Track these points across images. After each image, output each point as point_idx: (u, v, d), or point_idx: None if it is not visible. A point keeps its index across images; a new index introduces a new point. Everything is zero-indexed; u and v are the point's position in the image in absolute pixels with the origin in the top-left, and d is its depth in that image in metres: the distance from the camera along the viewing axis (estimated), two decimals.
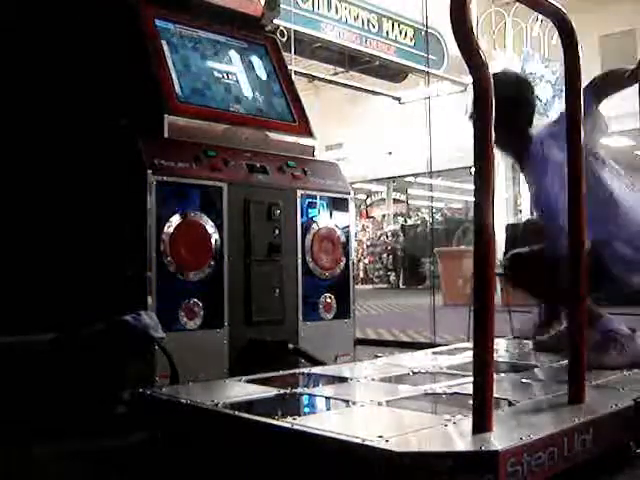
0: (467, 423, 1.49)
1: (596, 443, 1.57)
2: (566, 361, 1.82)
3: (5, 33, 2.90)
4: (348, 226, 3.11)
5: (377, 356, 2.84)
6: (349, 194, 3.13)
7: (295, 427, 1.59)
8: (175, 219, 2.50)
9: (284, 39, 3.47)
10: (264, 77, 3.19)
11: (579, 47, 1.82)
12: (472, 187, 1.54)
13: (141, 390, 2.07)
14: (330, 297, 3.00)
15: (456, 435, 1.51)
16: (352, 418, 1.83)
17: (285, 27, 3.60)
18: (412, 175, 16.50)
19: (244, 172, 2.74)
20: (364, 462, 1.42)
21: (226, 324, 2.61)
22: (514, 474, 1.35)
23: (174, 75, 2.77)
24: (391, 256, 16.79)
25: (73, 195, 2.68)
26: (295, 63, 7.61)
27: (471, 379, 1.50)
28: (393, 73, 11.05)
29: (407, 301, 10.00)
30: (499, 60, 9.58)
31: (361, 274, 17.01)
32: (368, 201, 19.60)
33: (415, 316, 6.75)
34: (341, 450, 1.47)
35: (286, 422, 1.63)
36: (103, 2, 2.90)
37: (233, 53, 3.13)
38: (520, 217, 11.60)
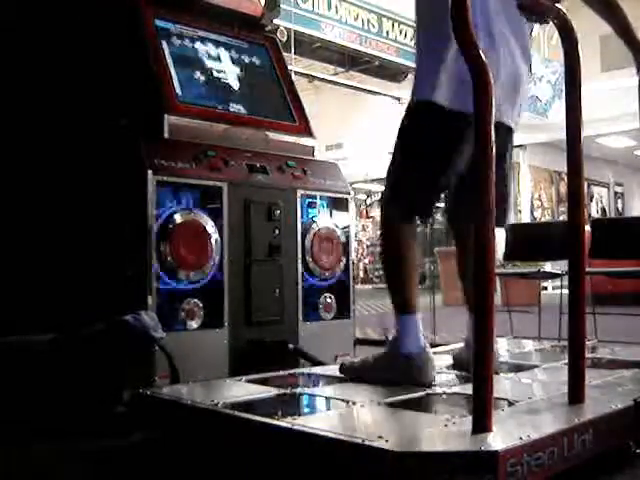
0: (467, 423, 1.49)
1: (596, 443, 1.57)
2: (565, 361, 1.82)
3: (5, 33, 2.91)
4: (348, 226, 3.11)
5: None
6: (349, 194, 3.13)
7: (295, 427, 1.59)
8: (175, 219, 2.50)
9: (284, 39, 3.46)
10: (264, 77, 3.20)
11: (579, 47, 1.82)
12: None
13: (141, 390, 2.07)
14: (330, 297, 3.00)
15: (456, 435, 1.51)
16: (352, 418, 1.83)
17: (285, 27, 3.59)
18: None
19: (244, 172, 2.74)
20: (364, 462, 1.42)
21: (226, 324, 2.61)
22: (514, 474, 1.35)
23: (174, 75, 2.77)
24: None
25: (74, 195, 2.68)
26: (295, 63, 7.60)
27: (471, 379, 1.50)
28: (393, 73, 11.02)
29: None
30: None
31: (361, 274, 16.98)
32: (368, 201, 19.57)
33: None
34: (341, 450, 1.47)
35: (286, 422, 1.63)
36: (103, 2, 2.90)
37: (233, 53, 3.13)
38: (520, 217, 11.60)
